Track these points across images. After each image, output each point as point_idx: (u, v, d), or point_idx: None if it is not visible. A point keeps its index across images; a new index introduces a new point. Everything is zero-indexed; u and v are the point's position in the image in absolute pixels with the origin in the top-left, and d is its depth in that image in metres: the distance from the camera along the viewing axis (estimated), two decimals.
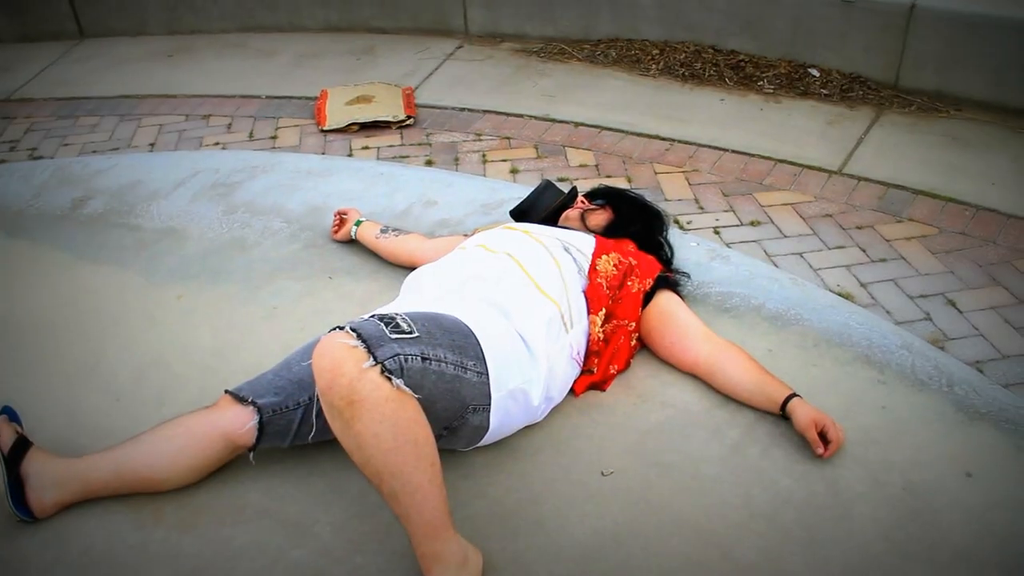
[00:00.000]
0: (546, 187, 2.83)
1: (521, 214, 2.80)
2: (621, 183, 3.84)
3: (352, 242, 2.98)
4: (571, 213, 2.74)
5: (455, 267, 2.34)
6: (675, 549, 1.98)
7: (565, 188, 2.85)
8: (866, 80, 4.54)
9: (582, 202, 2.77)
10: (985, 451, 2.19)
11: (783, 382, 2.28)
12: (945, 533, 1.99)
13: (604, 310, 2.37)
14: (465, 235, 2.72)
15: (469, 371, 1.94)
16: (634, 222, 2.67)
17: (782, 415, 2.24)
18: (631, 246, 2.57)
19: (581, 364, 2.35)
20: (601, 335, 2.37)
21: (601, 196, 2.80)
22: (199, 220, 3.20)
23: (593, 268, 2.41)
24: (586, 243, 2.48)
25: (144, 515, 2.08)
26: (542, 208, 2.77)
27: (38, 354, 2.61)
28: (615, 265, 2.43)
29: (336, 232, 3.02)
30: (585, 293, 2.37)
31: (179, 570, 1.97)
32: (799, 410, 2.20)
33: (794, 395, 2.23)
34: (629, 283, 2.43)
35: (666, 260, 2.66)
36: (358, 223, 2.95)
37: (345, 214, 3.02)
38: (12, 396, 2.35)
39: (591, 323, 2.36)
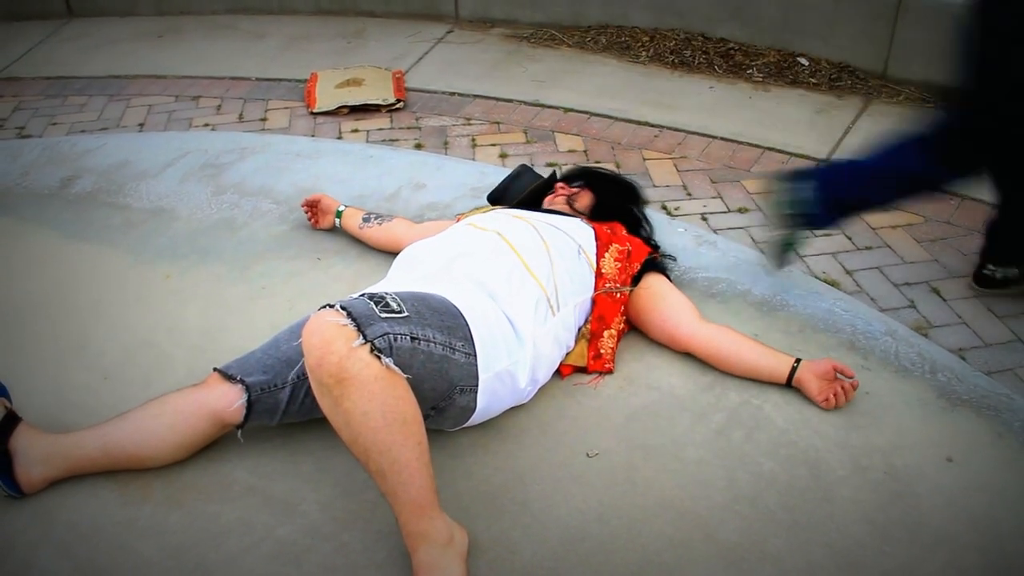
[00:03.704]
0: (522, 171, 2.82)
1: (497, 199, 2.78)
2: (610, 169, 3.85)
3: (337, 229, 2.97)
4: (556, 200, 2.72)
5: (445, 245, 2.34)
6: (659, 530, 1.99)
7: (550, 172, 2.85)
8: (855, 70, 4.55)
9: (563, 187, 2.76)
10: (966, 437, 2.21)
11: (783, 352, 2.35)
12: (926, 516, 2.02)
13: (620, 319, 2.42)
14: (456, 217, 2.72)
15: (457, 352, 1.95)
16: (613, 198, 2.70)
17: (788, 384, 2.31)
18: (622, 229, 2.58)
19: (568, 347, 2.37)
20: (612, 346, 2.40)
21: (578, 178, 2.81)
22: (188, 200, 3.19)
23: (599, 272, 2.42)
24: (585, 236, 2.47)
25: (131, 491, 2.09)
26: (516, 192, 2.75)
27: (26, 332, 2.61)
28: (616, 259, 2.44)
29: (316, 223, 2.99)
30: (597, 307, 2.39)
31: (165, 546, 1.97)
32: (807, 385, 2.29)
33: (797, 364, 2.30)
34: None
35: (647, 238, 2.67)
36: (339, 212, 2.92)
37: (315, 203, 2.98)
38: (0, 373, 2.35)
39: (609, 337, 2.39)
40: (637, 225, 2.69)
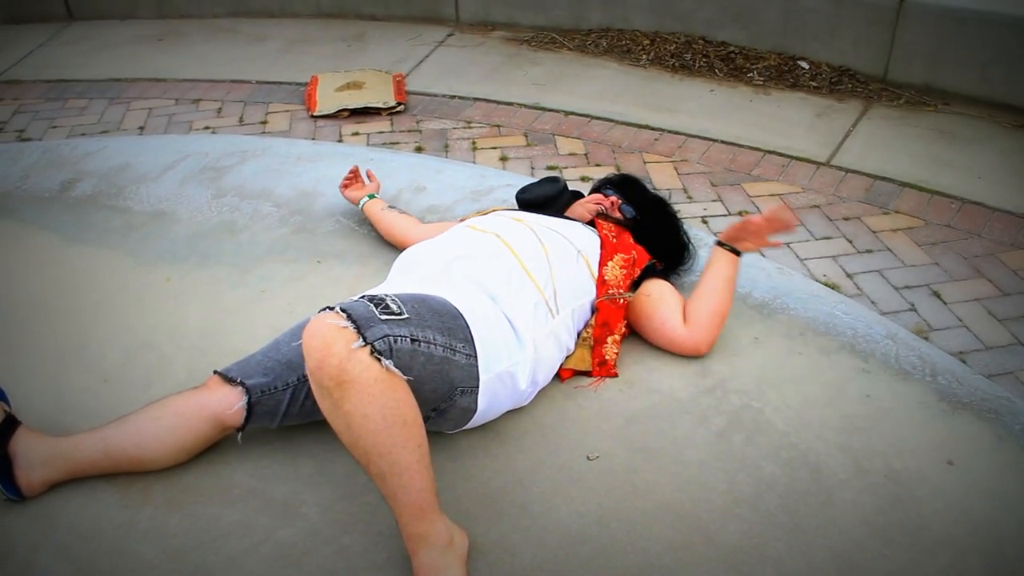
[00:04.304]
0: (562, 191, 2.67)
1: (532, 207, 2.66)
2: (610, 172, 3.84)
3: (341, 229, 2.97)
4: (590, 206, 2.63)
5: (445, 247, 2.34)
6: (659, 533, 1.99)
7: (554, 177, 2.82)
8: (855, 73, 4.56)
9: (612, 203, 2.66)
10: (967, 440, 2.21)
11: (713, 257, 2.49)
12: (926, 520, 2.02)
13: (622, 324, 2.40)
14: (461, 218, 2.71)
15: (458, 353, 1.95)
16: (652, 250, 2.60)
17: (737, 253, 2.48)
18: (629, 236, 2.56)
19: (568, 350, 2.36)
20: (616, 352, 2.39)
21: (639, 207, 2.68)
22: (188, 203, 3.19)
23: (602, 280, 2.40)
24: (587, 241, 2.45)
25: (131, 494, 2.09)
26: (553, 210, 2.67)
27: (25, 335, 2.60)
28: (621, 266, 2.44)
29: (345, 187, 3.04)
30: (601, 313, 2.38)
31: (166, 548, 1.97)
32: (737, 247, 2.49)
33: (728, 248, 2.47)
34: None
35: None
36: (371, 196, 2.96)
37: (372, 176, 3.08)
38: (0, 376, 2.35)
39: (612, 342, 2.38)
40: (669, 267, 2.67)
